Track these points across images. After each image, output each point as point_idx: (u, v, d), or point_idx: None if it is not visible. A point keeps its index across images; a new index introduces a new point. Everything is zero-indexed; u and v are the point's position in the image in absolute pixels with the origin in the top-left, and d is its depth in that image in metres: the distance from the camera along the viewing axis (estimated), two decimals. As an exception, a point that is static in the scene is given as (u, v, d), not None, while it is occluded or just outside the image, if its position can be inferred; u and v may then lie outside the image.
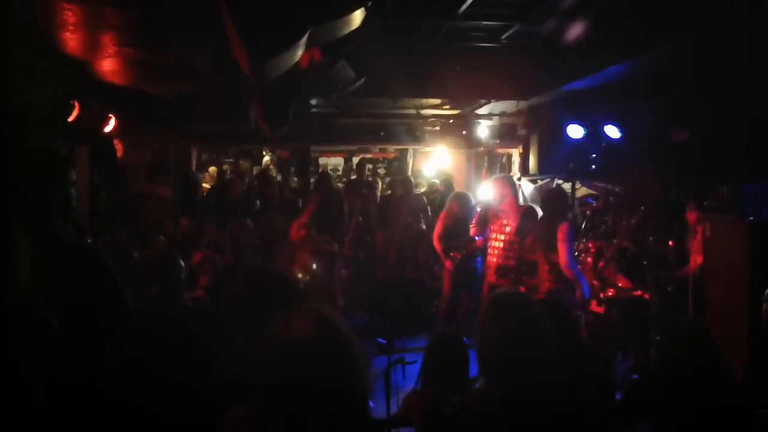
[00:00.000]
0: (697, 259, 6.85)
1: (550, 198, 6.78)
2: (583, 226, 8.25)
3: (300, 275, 6.40)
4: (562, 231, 6.19)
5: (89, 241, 2.97)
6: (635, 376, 6.36)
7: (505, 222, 7.33)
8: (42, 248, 2.48)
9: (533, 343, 2.70)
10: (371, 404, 4.22)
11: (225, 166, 14.88)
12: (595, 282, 7.26)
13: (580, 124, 8.65)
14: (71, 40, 5.66)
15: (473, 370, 3.68)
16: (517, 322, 2.74)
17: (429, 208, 10.58)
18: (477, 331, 2.85)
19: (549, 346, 2.72)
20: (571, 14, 6.63)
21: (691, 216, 7.09)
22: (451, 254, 8.23)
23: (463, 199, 8.59)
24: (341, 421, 2.17)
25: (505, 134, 11.40)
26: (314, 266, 6.61)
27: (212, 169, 13.98)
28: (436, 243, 8.48)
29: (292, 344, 2.21)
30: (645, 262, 7.28)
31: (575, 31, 6.94)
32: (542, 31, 7.20)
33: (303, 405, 2.15)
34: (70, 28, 5.24)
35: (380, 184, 14.30)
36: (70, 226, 2.85)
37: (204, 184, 12.56)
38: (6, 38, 5.16)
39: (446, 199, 9.13)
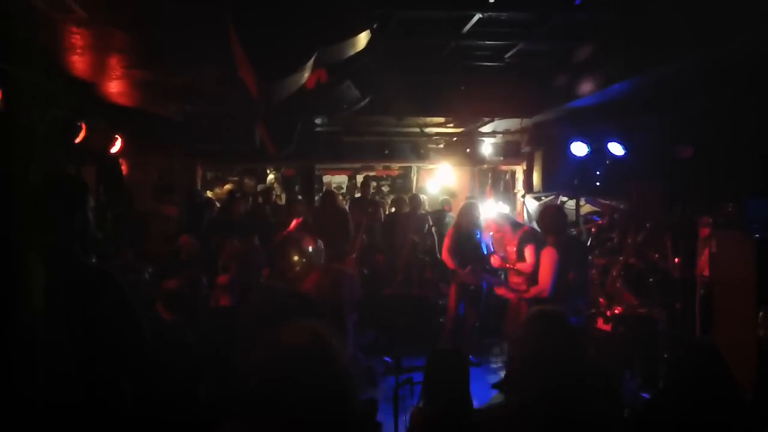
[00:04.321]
0: (704, 272, 6.81)
1: (545, 215, 6.84)
2: (588, 242, 8.26)
3: (296, 258, 6.40)
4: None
5: (94, 260, 2.97)
6: (644, 395, 6.33)
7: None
8: (56, 272, 2.48)
9: (569, 358, 2.71)
10: (380, 422, 4.24)
11: (228, 185, 14.90)
12: (601, 299, 7.26)
13: (584, 141, 8.66)
14: (79, 63, 5.71)
15: (477, 386, 3.70)
16: (554, 337, 2.75)
17: (434, 228, 10.56)
18: (514, 346, 2.91)
19: (584, 361, 2.75)
20: (575, 34, 6.66)
21: (704, 231, 7.06)
22: (467, 270, 8.20)
23: (466, 209, 8.61)
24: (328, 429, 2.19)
25: (509, 151, 11.43)
26: (310, 249, 6.63)
27: (227, 187, 14.03)
28: (445, 257, 8.47)
29: (281, 351, 2.26)
30: (651, 279, 7.26)
31: (580, 51, 7.00)
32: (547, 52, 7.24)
33: (289, 413, 2.18)
34: (78, 50, 5.30)
35: (388, 201, 14.32)
36: (88, 250, 2.85)
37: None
38: (15, 60, 5.21)
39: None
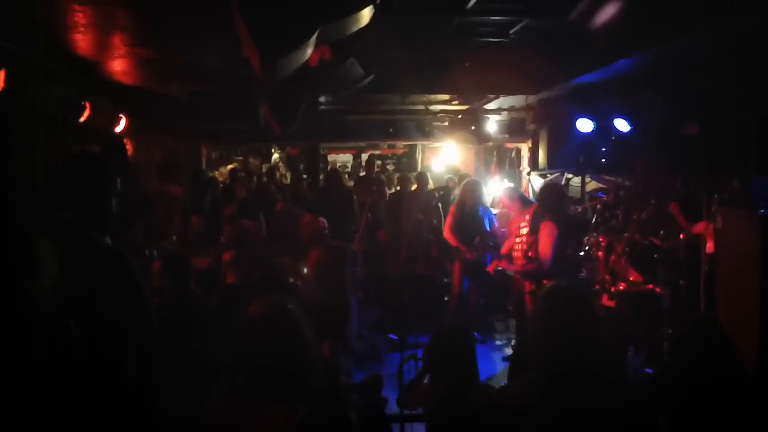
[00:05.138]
0: (709, 245, 6.77)
1: (546, 193, 6.85)
2: (593, 220, 8.25)
3: (291, 279, 6.46)
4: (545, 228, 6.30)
5: (108, 239, 2.96)
6: (648, 371, 6.36)
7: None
8: (64, 249, 2.47)
9: (586, 333, 2.70)
10: (386, 397, 4.27)
11: (233, 164, 14.87)
12: (606, 276, 7.26)
13: (589, 118, 8.63)
14: (82, 41, 5.69)
15: (482, 364, 3.70)
16: (570, 312, 2.73)
17: (440, 205, 10.56)
18: (529, 323, 2.87)
19: (601, 337, 2.75)
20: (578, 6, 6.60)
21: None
22: (475, 242, 8.18)
23: (471, 187, 8.59)
24: (286, 397, 2.36)
25: (514, 129, 11.39)
26: (305, 270, 6.68)
27: (230, 166, 14.02)
28: (448, 236, 8.49)
29: (246, 322, 2.51)
30: (656, 256, 7.26)
31: (587, 22, 6.91)
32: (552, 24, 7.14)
33: (250, 380, 2.40)
34: (81, 29, 5.27)
35: (394, 180, 14.27)
36: (105, 229, 2.82)
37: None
38: (18, 40, 5.19)
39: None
